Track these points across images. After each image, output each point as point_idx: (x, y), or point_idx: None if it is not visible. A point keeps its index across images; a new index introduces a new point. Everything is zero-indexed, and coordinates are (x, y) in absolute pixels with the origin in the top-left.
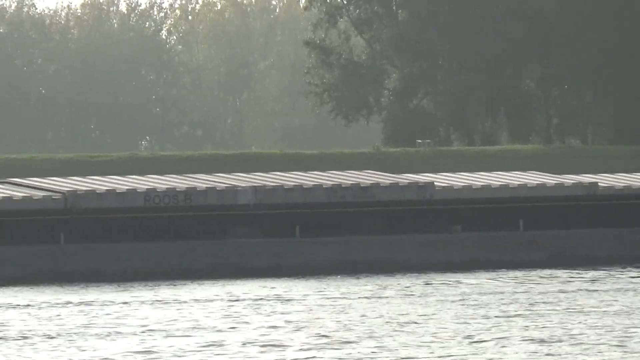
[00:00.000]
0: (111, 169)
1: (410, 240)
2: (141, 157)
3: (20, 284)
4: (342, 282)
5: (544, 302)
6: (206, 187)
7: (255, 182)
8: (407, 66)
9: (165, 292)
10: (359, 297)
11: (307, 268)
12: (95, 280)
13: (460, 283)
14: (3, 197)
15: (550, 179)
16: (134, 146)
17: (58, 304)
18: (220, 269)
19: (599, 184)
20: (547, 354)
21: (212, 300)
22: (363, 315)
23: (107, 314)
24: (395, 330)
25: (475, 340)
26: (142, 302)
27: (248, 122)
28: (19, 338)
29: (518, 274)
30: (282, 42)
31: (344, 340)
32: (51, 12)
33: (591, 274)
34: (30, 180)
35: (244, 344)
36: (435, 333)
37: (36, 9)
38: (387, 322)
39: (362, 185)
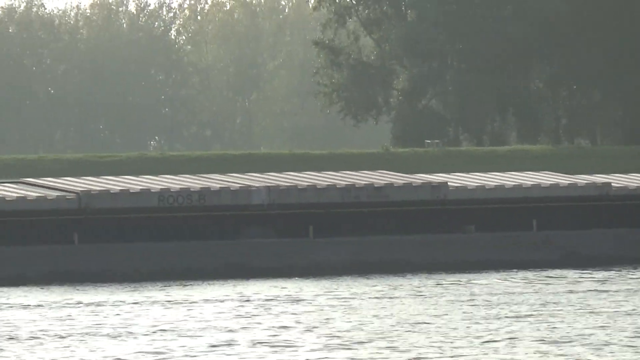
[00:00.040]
0: (120, 169)
1: (423, 241)
2: (150, 157)
3: (33, 284)
4: (353, 283)
5: (554, 303)
6: (220, 187)
7: (268, 182)
8: (416, 66)
9: (176, 292)
10: (369, 297)
11: (321, 268)
12: (110, 281)
13: (471, 283)
14: (17, 197)
15: (563, 179)
16: (143, 146)
17: (69, 304)
18: (234, 269)
19: (612, 184)
20: (558, 355)
21: (222, 301)
22: (374, 316)
23: (117, 314)
24: (407, 331)
25: (486, 340)
26: (153, 302)
27: (257, 122)
28: (30, 338)
29: (529, 274)
30: (291, 42)
31: (355, 340)
32: (60, 12)
33: (602, 274)
34: (44, 180)
35: (254, 344)
36: (446, 333)
37: (45, 9)
38: (397, 322)
39: (375, 186)
